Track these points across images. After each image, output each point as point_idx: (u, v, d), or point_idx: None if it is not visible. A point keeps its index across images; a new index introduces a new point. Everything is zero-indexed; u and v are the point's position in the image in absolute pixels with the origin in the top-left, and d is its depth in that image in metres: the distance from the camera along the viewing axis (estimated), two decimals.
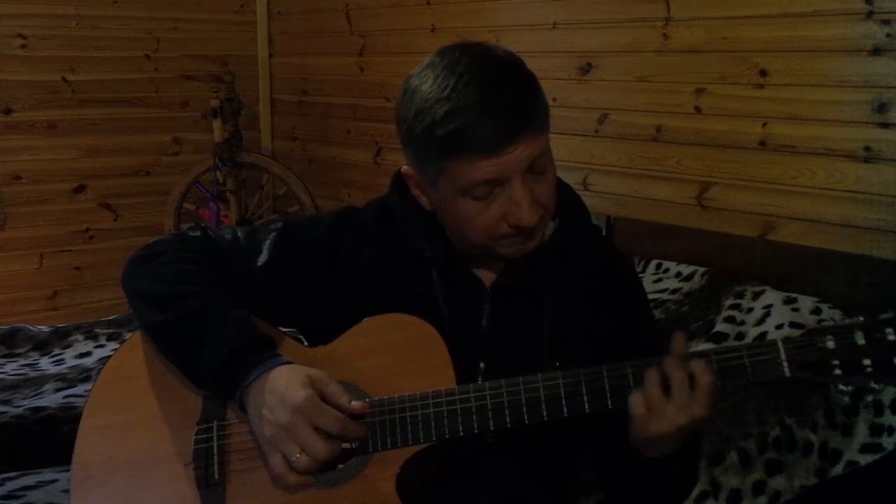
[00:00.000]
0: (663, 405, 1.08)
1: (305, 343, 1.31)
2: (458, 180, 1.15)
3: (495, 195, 1.15)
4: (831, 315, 2.02)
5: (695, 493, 1.61)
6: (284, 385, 1.12)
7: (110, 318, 2.71)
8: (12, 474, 1.73)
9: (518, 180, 1.14)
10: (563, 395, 1.13)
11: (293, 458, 1.10)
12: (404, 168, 1.25)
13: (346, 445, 1.16)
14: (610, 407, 1.13)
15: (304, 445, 1.10)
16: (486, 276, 1.27)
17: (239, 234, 1.33)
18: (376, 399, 1.17)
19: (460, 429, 1.15)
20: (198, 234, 1.32)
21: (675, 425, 1.08)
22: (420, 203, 1.27)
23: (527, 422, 1.14)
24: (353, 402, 1.14)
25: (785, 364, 1.09)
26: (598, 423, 1.18)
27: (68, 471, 1.28)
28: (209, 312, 1.20)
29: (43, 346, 2.53)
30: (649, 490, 1.26)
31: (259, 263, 1.29)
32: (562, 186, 1.31)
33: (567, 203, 1.31)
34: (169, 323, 1.21)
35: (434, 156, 1.15)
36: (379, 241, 1.30)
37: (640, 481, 1.23)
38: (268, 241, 1.31)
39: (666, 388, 1.09)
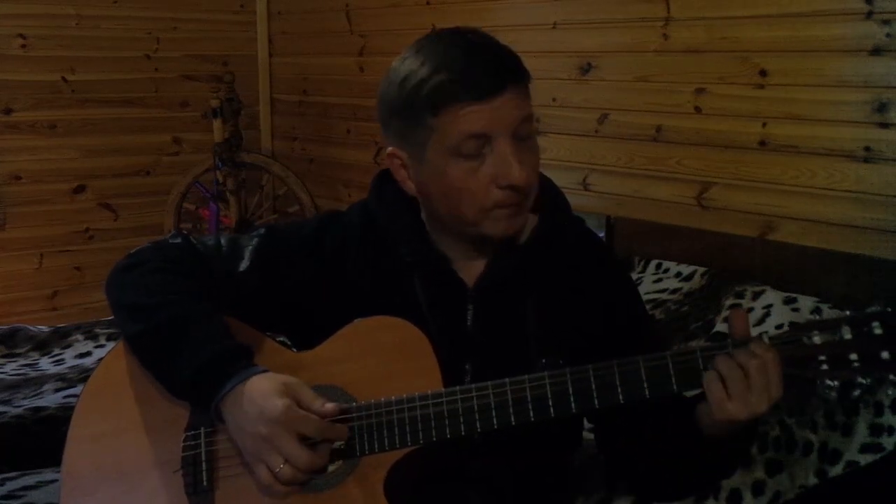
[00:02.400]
0: (745, 392, 1.07)
1: (293, 349, 1.31)
2: (447, 136, 1.15)
3: (484, 155, 1.16)
4: (831, 315, 2.02)
5: None
6: (262, 396, 1.11)
7: (110, 318, 2.70)
8: (12, 474, 1.73)
9: (506, 137, 1.15)
10: (549, 394, 1.13)
11: (277, 469, 1.10)
12: (389, 150, 1.25)
13: (334, 445, 1.16)
14: (597, 406, 1.13)
15: (287, 455, 1.10)
16: (469, 277, 1.27)
17: (222, 241, 1.33)
18: (363, 402, 1.17)
19: (447, 431, 1.14)
20: (179, 241, 1.32)
21: (756, 411, 1.08)
22: (401, 204, 1.27)
23: (514, 422, 1.14)
24: (326, 405, 1.13)
25: None
26: (616, 415, 1.18)
27: None
28: (184, 323, 1.19)
29: (43, 346, 2.53)
30: (705, 468, 1.25)
31: (241, 269, 1.29)
32: (543, 181, 1.30)
33: (548, 197, 1.30)
34: (145, 334, 1.21)
35: (423, 114, 1.16)
36: (363, 243, 1.30)
37: (695, 462, 1.22)
38: (250, 247, 1.31)
39: (745, 374, 1.08)
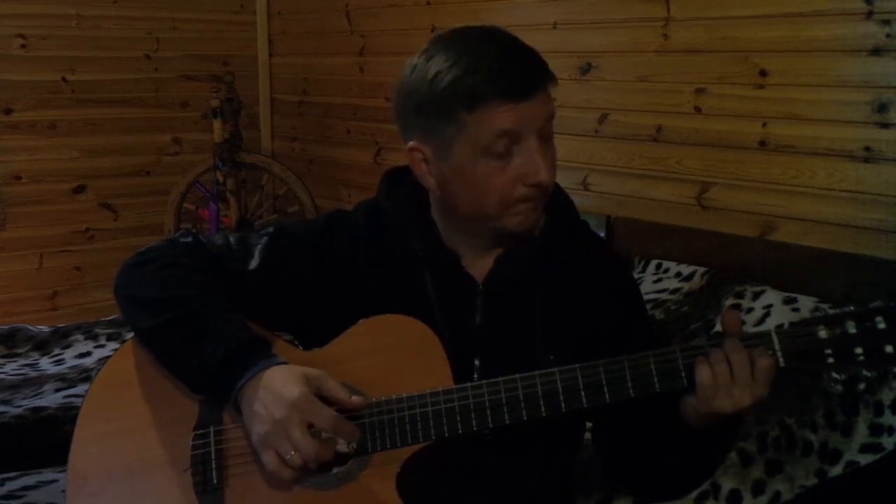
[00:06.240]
0: (729, 384, 1.10)
1: (300, 348, 1.31)
2: (479, 134, 1.17)
3: (512, 154, 1.18)
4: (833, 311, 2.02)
5: (694, 493, 1.61)
6: (280, 383, 1.12)
7: (110, 318, 2.71)
8: (12, 474, 1.73)
9: (534, 137, 1.19)
10: (560, 390, 1.14)
11: (287, 455, 1.10)
12: (411, 143, 1.24)
13: (343, 449, 1.16)
14: (608, 401, 1.14)
15: (293, 441, 1.10)
16: (478, 273, 1.28)
17: (231, 239, 1.34)
18: (374, 400, 1.17)
19: (459, 427, 1.15)
20: (189, 239, 1.33)
21: (740, 405, 1.10)
22: (411, 202, 1.28)
23: (525, 418, 1.15)
24: (353, 398, 1.14)
25: (779, 354, 1.10)
26: (613, 412, 1.19)
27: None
28: (203, 315, 1.20)
29: (43, 346, 2.53)
30: (684, 465, 1.26)
31: (251, 268, 1.30)
32: None
33: (554, 199, 1.32)
34: (163, 326, 1.21)
35: (456, 111, 1.17)
36: (370, 242, 1.31)
37: (675, 456, 1.23)
38: (259, 246, 1.32)
39: (729, 367, 1.10)
